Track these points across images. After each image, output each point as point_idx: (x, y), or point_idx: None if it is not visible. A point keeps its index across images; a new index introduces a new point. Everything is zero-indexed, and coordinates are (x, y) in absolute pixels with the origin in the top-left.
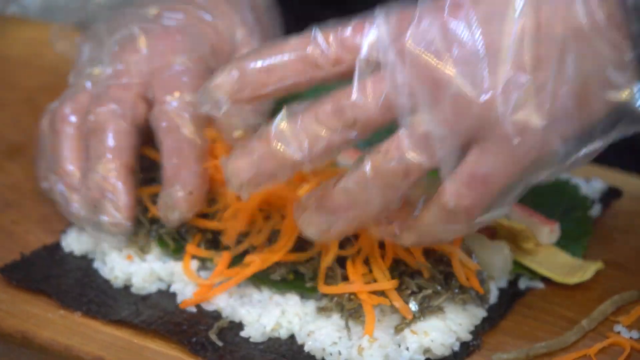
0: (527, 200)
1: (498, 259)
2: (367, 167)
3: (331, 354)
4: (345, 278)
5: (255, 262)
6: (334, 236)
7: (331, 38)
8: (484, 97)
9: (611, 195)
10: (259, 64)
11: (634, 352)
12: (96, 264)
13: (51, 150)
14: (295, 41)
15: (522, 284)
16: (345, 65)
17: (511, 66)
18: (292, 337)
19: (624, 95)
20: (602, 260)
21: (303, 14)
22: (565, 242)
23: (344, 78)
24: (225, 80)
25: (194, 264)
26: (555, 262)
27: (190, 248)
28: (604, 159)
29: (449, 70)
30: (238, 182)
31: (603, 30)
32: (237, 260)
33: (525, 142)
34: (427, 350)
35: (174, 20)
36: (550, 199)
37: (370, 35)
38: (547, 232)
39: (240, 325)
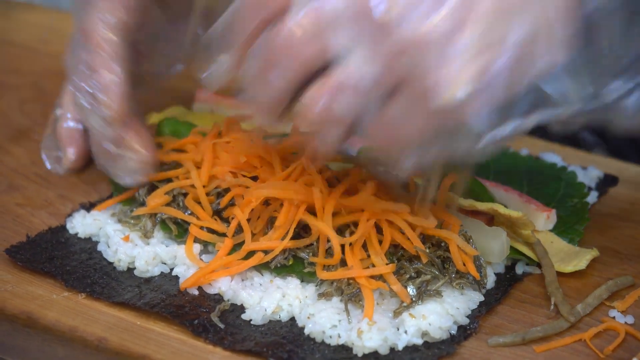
0: (524, 187)
1: (495, 244)
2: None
3: (331, 337)
4: (343, 263)
5: (258, 255)
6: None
7: None
8: (421, 46)
9: (607, 182)
10: (220, 26)
11: (629, 336)
12: (100, 247)
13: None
14: None
15: (519, 269)
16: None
17: (452, 14)
18: (292, 319)
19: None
20: (597, 247)
21: None
22: (561, 229)
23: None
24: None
25: (196, 248)
26: (551, 249)
27: (194, 230)
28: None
29: (393, 13)
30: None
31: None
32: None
33: (449, 102)
34: (425, 334)
35: None
36: (547, 186)
37: None
38: (544, 218)
39: (241, 308)
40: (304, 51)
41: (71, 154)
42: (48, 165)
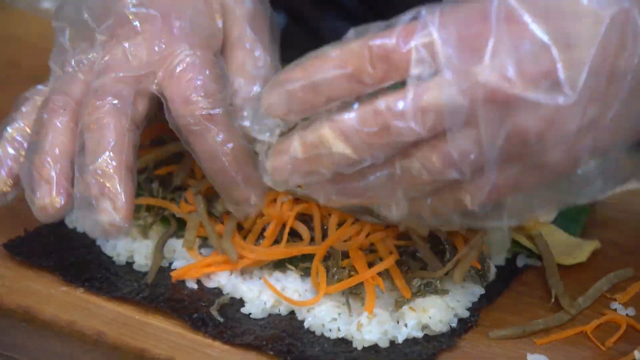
0: None
1: (496, 237)
2: (398, 168)
3: (330, 330)
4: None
5: (248, 258)
6: (334, 205)
7: (375, 52)
8: (542, 125)
9: None
10: (305, 82)
11: (630, 329)
12: (99, 241)
13: (35, 137)
14: (337, 54)
15: (520, 261)
16: (393, 81)
17: (578, 97)
18: (292, 313)
19: None
20: (599, 239)
21: (303, 17)
22: (563, 221)
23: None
24: (274, 101)
25: (196, 242)
26: (552, 241)
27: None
28: None
29: (520, 98)
30: (277, 179)
31: None
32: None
33: (569, 176)
34: (425, 327)
35: (160, 6)
36: None
37: (420, 45)
38: None
39: (241, 302)
40: (409, 132)
41: (4, 181)
42: None
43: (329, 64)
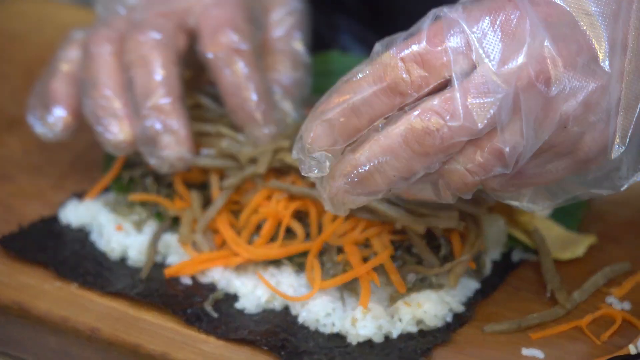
0: None
1: (492, 231)
2: (441, 173)
3: (325, 325)
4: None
5: (243, 255)
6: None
7: (408, 59)
8: (580, 108)
9: None
10: (344, 107)
11: (625, 323)
12: (93, 237)
13: (85, 74)
14: (370, 70)
15: (516, 256)
16: (432, 86)
17: (611, 74)
18: (286, 308)
19: None
20: (596, 233)
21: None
22: (560, 215)
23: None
24: (319, 135)
25: (190, 238)
26: (548, 236)
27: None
28: None
29: (562, 80)
30: (336, 205)
31: None
32: None
33: (597, 164)
34: (420, 322)
35: None
36: None
37: (454, 42)
38: None
39: (235, 297)
40: (462, 131)
41: (64, 114)
42: (36, 129)
43: (364, 83)
